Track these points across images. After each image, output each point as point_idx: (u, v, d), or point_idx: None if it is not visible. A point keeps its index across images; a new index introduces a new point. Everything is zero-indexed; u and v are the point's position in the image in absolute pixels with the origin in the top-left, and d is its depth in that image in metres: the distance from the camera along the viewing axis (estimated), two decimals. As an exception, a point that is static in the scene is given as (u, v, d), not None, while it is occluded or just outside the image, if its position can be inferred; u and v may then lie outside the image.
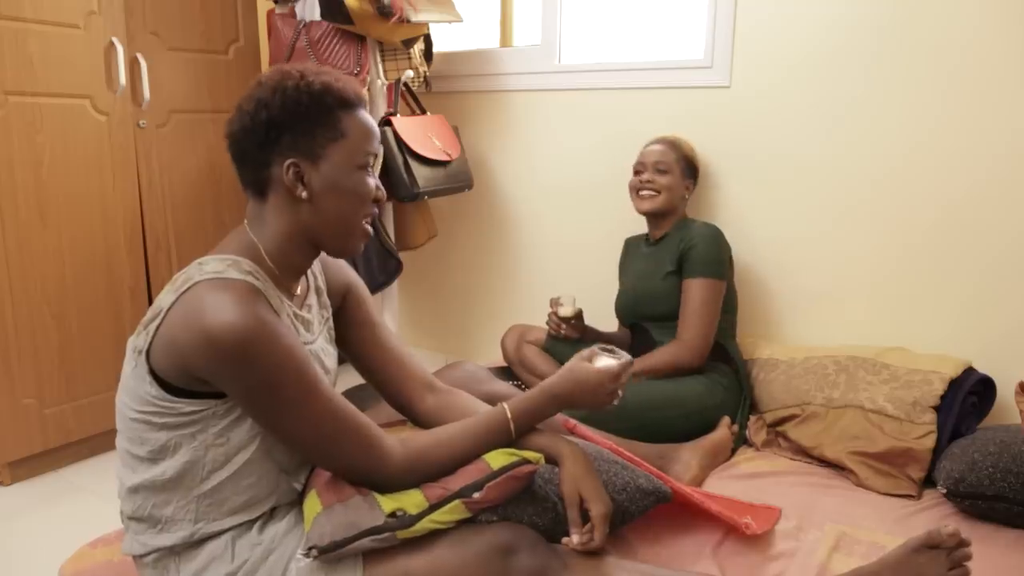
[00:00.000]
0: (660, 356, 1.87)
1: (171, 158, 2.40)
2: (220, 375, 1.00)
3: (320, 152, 1.09)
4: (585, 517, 1.16)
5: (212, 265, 1.06)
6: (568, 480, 1.16)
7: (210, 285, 1.02)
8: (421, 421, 1.31)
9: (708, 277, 1.89)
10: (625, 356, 1.26)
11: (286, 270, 1.14)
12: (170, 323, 1.02)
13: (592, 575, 1.13)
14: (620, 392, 1.24)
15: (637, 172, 2.06)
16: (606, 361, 1.24)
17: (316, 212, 1.11)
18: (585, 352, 1.27)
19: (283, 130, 1.08)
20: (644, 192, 2.02)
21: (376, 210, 1.16)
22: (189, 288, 1.03)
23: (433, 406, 1.31)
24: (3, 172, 1.99)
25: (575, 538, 1.14)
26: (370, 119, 1.15)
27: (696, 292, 1.88)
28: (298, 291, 1.20)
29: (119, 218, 2.27)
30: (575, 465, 1.17)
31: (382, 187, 1.16)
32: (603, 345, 1.29)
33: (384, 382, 1.32)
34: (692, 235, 1.93)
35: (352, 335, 1.31)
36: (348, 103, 1.11)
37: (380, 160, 2.23)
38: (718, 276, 1.91)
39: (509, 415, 1.19)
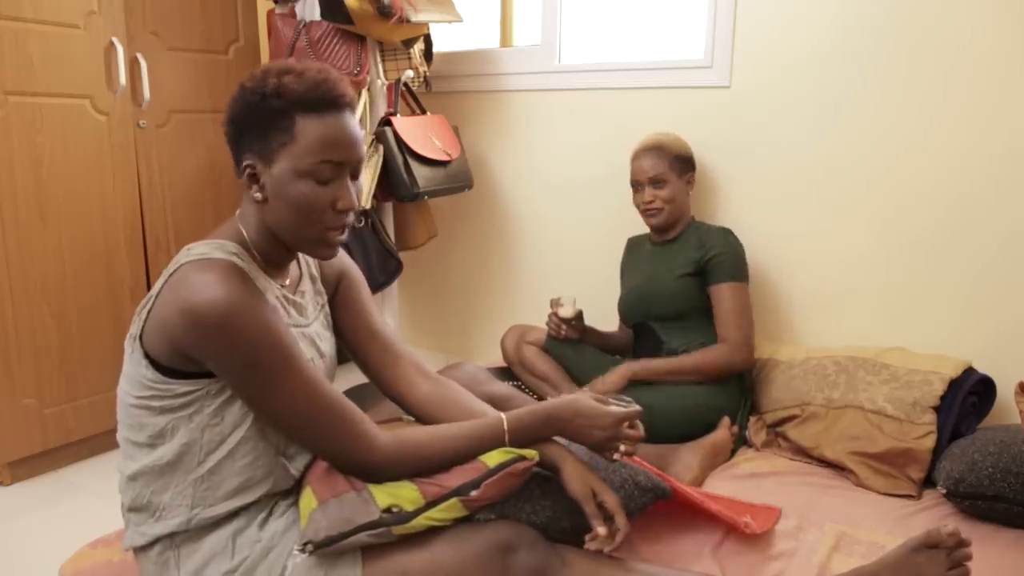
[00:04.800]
0: (710, 355, 1.86)
1: (171, 158, 2.40)
2: (205, 351, 1.02)
3: (273, 155, 1.07)
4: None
5: (199, 248, 1.09)
6: (576, 478, 1.15)
7: (195, 265, 1.05)
8: (416, 410, 1.28)
9: (738, 281, 1.92)
10: (635, 407, 1.23)
11: (270, 258, 1.16)
12: (159, 305, 1.05)
13: (592, 573, 1.13)
14: (622, 448, 1.20)
15: (635, 188, 2.05)
16: (614, 406, 1.21)
17: (273, 215, 1.11)
18: (599, 396, 1.24)
19: (241, 128, 1.09)
20: (649, 211, 2.01)
21: (347, 220, 1.11)
22: (176, 270, 1.06)
23: (428, 393, 1.28)
24: (3, 172, 1.99)
25: (601, 529, 1.12)
26: (340, 125, 1.08)
27: (732, 295, 1.91)
28: (288, 279, 1.21)
29: (119, 218, 2.27)
30: (576, 465, 1.17)
31: (351, 196, 1.09)
32: (622, 397, 1.26)
33: (377, 368, 1.30)
34: (715, 242, 1.94)
35: (347, 321, 1.31)
36: (309, 105, 1.06)
37: (380, 162, 2.23)
38: (745, 279, 1.95)
39: (506, 427, 1.17)
